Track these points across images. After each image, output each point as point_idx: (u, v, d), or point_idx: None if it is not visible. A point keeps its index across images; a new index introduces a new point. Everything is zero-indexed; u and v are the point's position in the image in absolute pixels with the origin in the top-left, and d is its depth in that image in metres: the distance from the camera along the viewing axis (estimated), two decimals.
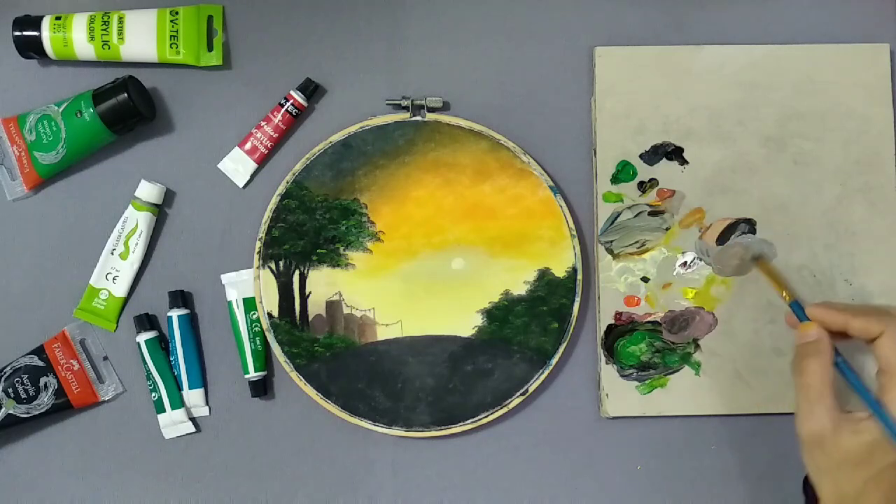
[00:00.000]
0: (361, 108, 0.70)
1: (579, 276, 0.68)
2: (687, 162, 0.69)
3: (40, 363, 0.68)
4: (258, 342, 0.69)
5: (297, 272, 0.68)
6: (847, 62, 0.70)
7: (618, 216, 0.69)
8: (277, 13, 0.71)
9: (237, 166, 0.70)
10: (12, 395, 0.67)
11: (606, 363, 0.68)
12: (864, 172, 0.70)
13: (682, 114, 0.70)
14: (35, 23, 0.68)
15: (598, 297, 0.69)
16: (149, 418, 0.69)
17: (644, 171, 0.69)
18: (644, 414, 0.68)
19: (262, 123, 0.69)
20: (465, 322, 0.68)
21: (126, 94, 0.66)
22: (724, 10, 0.72)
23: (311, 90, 0.69)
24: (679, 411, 0.68)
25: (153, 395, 0.68)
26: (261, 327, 0.68)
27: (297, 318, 0.68)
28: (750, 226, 0.69)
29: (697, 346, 0.69)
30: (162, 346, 0.69)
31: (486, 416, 0.68)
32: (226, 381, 0.70)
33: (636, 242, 0.69)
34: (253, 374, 0.68)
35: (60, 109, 0.67)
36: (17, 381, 0.67)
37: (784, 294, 0.60)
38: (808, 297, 0.69)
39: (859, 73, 0.70)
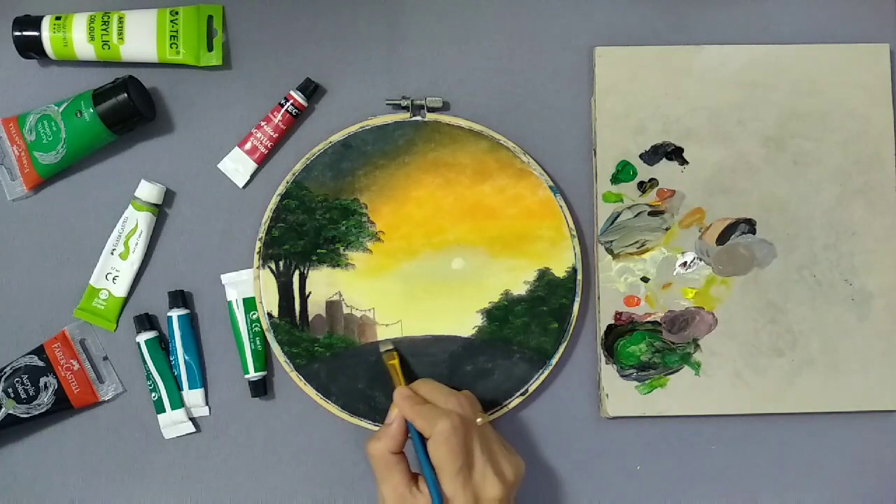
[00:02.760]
0: (361, 108, 0.70)
1: (579, 276, 0.68)
2: (687, 162, 0.69)
3: (40, 363, 0.68)
4: (258, 342, 0.69)
5: (297, 272, 0.68)
6: (847, 62, 0.70)
7: (618, 216, 0.69)
8: (277, 13, 0.71)
9: (237, 166, 0.70)
10: (12, 395, 0.67)
11: (606, 363, 0.68)
12: (864, 172, 0.70)
13: (682, 114, 0.70)
14: (35, 23, 0.68)
15: (598, 297, 0.69)
16: (149, 418, 0.69)
17: (644, 171, 0.69)
18: (644, 414, 0.68)
19: (262, 123, 0.69)
20: (465, 322, 0.68)
21: (126, 94, 0.66)
22: (724, 10, 0.72)
23: (311, 90, 0.69)
24: (679, 411, 0.68)
25: (153, 395, 0.68)
26: (261, 327, 0.68)
27: (297, 318, 0.68)
28: (750, 226, 0.69)
29: (697, 346, 0.69)
30: (162, 346, 0.69)
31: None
32: (226, 381, 0.70)
33: (636, 242, 0.69)
34: (253, 374, 0.68)
35: (60, 109, 0.67)
36: (17, 381, 0.67)
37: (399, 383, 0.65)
38: (808, 297, 0.69)
39: (859, 73, 0.70)
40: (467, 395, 0.63)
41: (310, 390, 0.68)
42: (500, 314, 0.68)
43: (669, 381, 0.68)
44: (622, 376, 0.68)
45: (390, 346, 0.68)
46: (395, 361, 0.66)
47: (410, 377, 0.67)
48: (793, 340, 0.69)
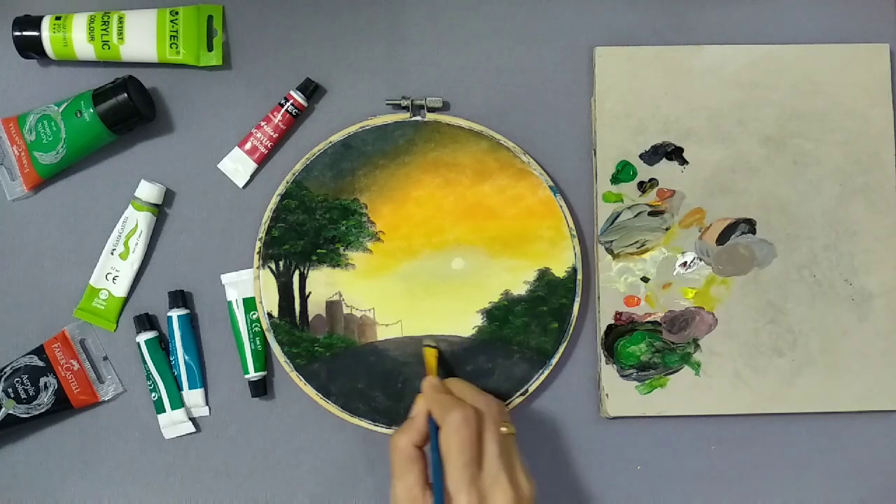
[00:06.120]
0: (361, 108, 0.70)
1: (579, 276, 0.68)
2: (687, 162, 0.70)
3: (40, 363, 0.68)
4: (258, 342, 0.69)
5: (297, 272, 0.68)
6: (847, 62, 0.70)
7: (618, 216, 0.69)
8: (277, 13, 0.71)
9: (237, 166, 0.70)
10: (12, 395, 0.67)
11: (606, 363, 0.68)
12: (864, 172, 0.70)
13: (682, 114, 0.70)
14: (35, 23, 0.68)
15: (598, 297, 0.69)
16: (149, 418, 0.69)
17: (644, 171, 0.69)
18: (644, 414, 0.68)
19: (262, 123, 0.69)
20: (465, 322, 0.68)
21: (126, 94, 0.66)
22: (724, 10, 0.72)
23: (311, 90, 0.69)
24: (679, 411, 0.68)
25: (153, 395, 0.68)
26: (261, 327, 0.68)
27: (297, 318, 0.68)
28: (750, 226, 0.69)
29: (697, 346, 0.69)
30: (162, 346, 0.69)
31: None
32: (226, 381, 0.70)
33: (636, 242, 0.69)
34: (253, 374, 0.68)
35: (60, 109, 0.67)
36: (17, 381, 0.67)
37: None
38: (808, 297, 0.69)
39: (859, 73, 0.70)
40: (498, 402, 0.61)
41: (310, 390, 0.68)
42: (500, 314, 0.68)
43: (669, 381, 0.68)
44: (622, 376, 0.68)
45: (433, 343, 0.67)
46: (434, 352, 0.66)
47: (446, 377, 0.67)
48: (793, 340, 0.69)
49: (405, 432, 0.59)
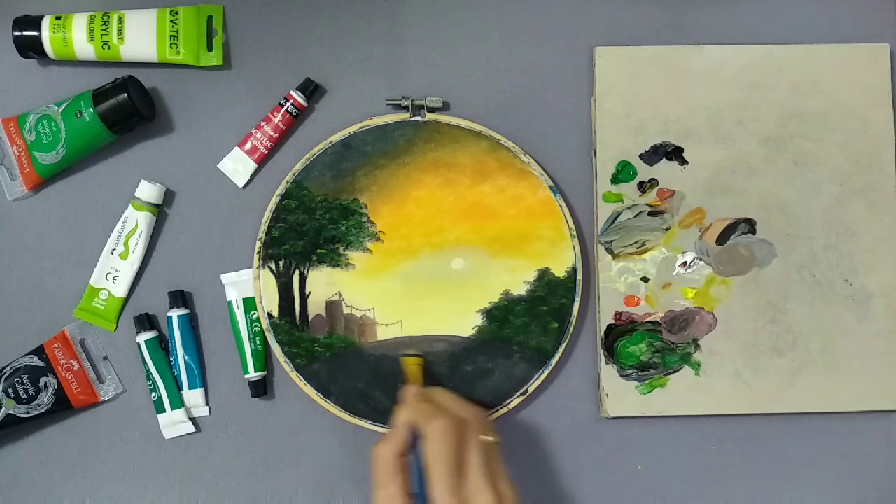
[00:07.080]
0: (361, 108, 0.70)
1: (579, 276, 0.68)
2: (687, 162, 0.70)
3: (40, 363, 0.68)
4: (258, 342, 0.69)
5: (297, 272, 0.68)
6: (847, 62, 0.70)
7: (618, 216, 0.69)
8: (277, 13, 0.71)
9: (237, 166, 0.70)
10: (12, 395, 0.67)
11: (606, 363, 0.68)
12: (863, 172, 0.70)
13: (682, 114, 0.70)
14: (35, 23, 0.68)
15: (598, 297, 0.69)
16: (149, 418, 0.69)
17: (644, 171, 0.69)
18: (644, 414, 0.68)
19: (262, 123, 0.69)
20: (465, 322, 0.68)
21: (126, 94, 0.66)
22: (724, 10, 0.72)
23: (311, 90, 0.69)
24: (679, 411, 0.68)
25: (153, 395, 0.68)
26: (261, 327, 0.68)
27: (297, 318, 0.68)
28: (750, 226, 0.69)
29: (697, 346, 0.69)
30: (162, 346, 0.69)
31: (486, 417, 0.68)
32: (226, 381, 0.70)
33: (636, 242, 0.69)
34: (253, 374, 0.68)
35: (60, 109, 0.67)
36: (17, 381, 0.67)
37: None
38: (808, 297, 0.69)
39: (859, 73, 0.70)
40: (481, 411, 0.62)
41: (310, 390, 0.68)
42: (500, 314, 0.68)
43: (669, 381, 0.68)
44: (622, 376, 0.68)
45: (417, 352, 0.68)
46: (418, 361, 0.66)
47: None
48: (793, 340, 0.69)
49: (387, 442, 0.59)
